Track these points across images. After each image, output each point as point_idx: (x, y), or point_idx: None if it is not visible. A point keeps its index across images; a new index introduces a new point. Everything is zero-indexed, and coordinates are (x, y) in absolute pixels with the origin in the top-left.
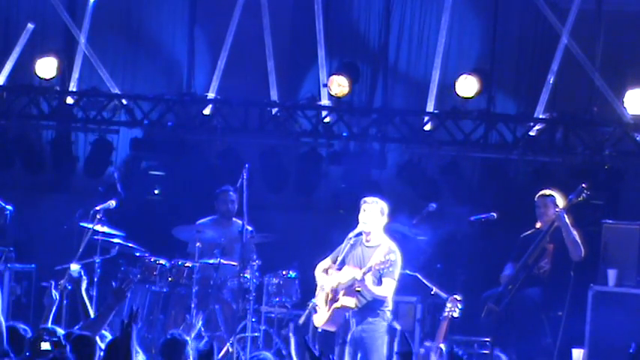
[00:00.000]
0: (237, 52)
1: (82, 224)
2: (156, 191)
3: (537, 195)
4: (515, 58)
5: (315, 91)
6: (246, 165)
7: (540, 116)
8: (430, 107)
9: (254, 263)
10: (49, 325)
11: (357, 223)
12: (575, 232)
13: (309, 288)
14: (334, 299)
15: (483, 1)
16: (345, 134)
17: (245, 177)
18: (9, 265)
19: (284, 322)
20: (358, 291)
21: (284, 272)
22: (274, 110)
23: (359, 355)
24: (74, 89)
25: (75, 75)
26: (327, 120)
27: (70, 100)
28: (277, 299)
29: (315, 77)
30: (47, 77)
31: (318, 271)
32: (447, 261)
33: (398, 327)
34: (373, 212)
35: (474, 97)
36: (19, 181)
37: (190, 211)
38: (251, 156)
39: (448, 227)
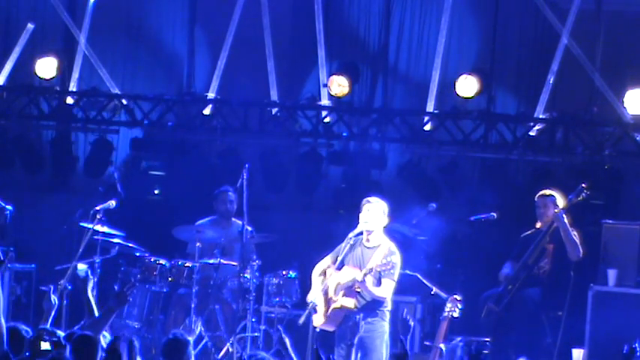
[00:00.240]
0: (237, 52)
1: (82, 224)
2: (156, 191)
3: (537, 195)
4: (515, 58)
5: (315, 91)
6: (246, 165)
7: (540, 116)
8: (430, 107)
9: (254, 263)
10: (49, 326)
11: (357, 223)
12: (574, 233)
13: (309, 288)
14: (333, 299)
15: (483, 1)
16: (345, 134)
17: (245, 177)
18: (9, 265)
19: (284, 322)
20: (358, 291)
21: (284, 272)
22: (274, 110)
23: (359, 355)
24: (74, 89)
25: (75, 75)
26: (327, 120)
27: (70, 100)
28: (277, 299)
29: (315, 77)
30: (47, 77)
31: (315, 274)
32: (447, 261)
33: (412, 323)
34: (376, 212)
35: (473, 97)
36: (19, 181)
37: (190, 211)
38: (251, 156)
39: (448, 227)
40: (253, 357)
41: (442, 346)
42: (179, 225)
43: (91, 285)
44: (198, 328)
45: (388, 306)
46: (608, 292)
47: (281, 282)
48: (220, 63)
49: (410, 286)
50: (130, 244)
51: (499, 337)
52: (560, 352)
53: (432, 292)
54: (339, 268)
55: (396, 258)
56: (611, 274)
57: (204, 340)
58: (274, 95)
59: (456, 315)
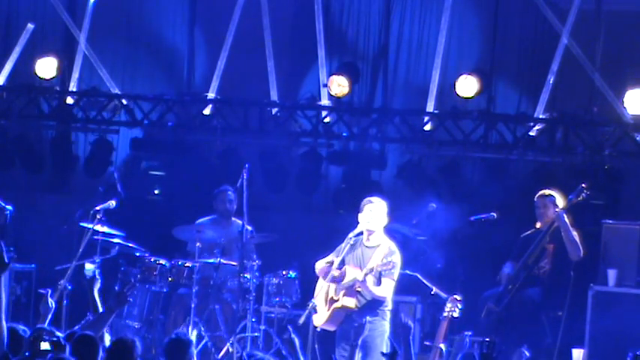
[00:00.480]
0: (237, 52)
1: (82, 224)
2: (156, 191)
3: (537, 195)
4: (515, 58)
5: (315, 91)
6: (246, 165)
7: (540, 116)
8: (430, 107)
9: (254, 263)
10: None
11: (357, 223)
12: (574, 233)
13: (309, 288)
14: (334, 299)
15: (483, 1)
16: (345, 134)
17: (245, 177)
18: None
19: (284, 322)
20: (359, 291)
21: (284, 272)
22: (274, 110)
23: (360, 355)
24: (74, 89)
25: (75, 75)
26: (327, 120)
27: (70, 100)
28: (277, 299)
29: (315, 77)
30: (47, 77)
31: (318, 268)
32: (447, 261)
33: (411, 324)
34: (378, 212)
35: (473, 97)
36: (19, 181)
37: (190, 211)
38: (251, 156)
39: (448, 227)
40: (253, 357)
41: (442, 345)
42: (179, 225)
43: (97, 286)
44: (194, 334)
45: (389, 305)
46: (608, 292)
47: (281, 282)
48: (220, 63)
49: (410, 286)
50: (130, 244)
51: (499, 337)
52: (560, 352)
53: (432, 292)
54: (340, 268)
55: (396, 257)
56: (611, 274)
57: (204, 340)
58: (274, 95)
59: (456, 315)
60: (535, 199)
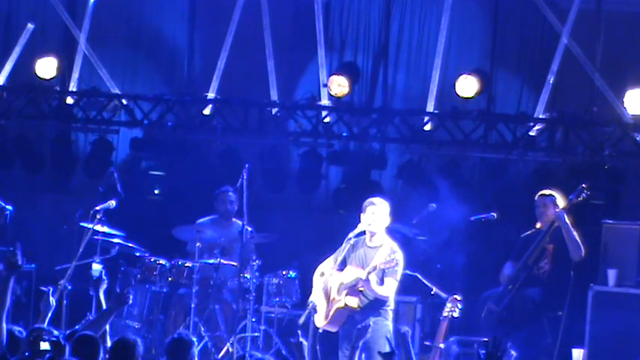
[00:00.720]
0: (237, 52)
1: (82, 224)
2: (156, 191)
3: (537, 195)
4: (515, 58)
5: (315, 91)
6: (246, 165)
7: (540, 116)
8: (430, 107)
9: (254, 263)
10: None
11: (357, 223)
12: (575, 232)
13: (309, 288)
14: (336, 299)
15: (483, 2)
16: (345, 134)
17: (245, 177)
18: None
19: (284, 322)
20: (361, 291)
21: (284, 272)
22: (274, 110)
23: (363, 356)
24: (74, 89)
25: (75, 75)
26: (327, 120)
27: (70, 100)
28: (277, 299)
29: (315, 77)
30: (47, 77)
31: (317, 275)
32: (447, 261)
33: (408, 329)
34: (382, 213)
35: (474, 97)
36: (19, 181)
37: (190, 211)
38: (251, 156)
39: (448, 227)
40: (252, 357)
41: (442, 345)
42: (179, 225)
43: (104, 287)
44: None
45: (391, 305)
46: (608, 292)
47: (281, 282)
48: (220, 63)
49: (410, 286)
50: (130, 244)
51: (499, 337)
52: (560, 352)
53: (432, 292)
54: (341, 269)
55: (399, 256)
56: (611, 274)
57: (204, 340)
58: (274, 95)
59: (456, 315)
60: (535, 199)
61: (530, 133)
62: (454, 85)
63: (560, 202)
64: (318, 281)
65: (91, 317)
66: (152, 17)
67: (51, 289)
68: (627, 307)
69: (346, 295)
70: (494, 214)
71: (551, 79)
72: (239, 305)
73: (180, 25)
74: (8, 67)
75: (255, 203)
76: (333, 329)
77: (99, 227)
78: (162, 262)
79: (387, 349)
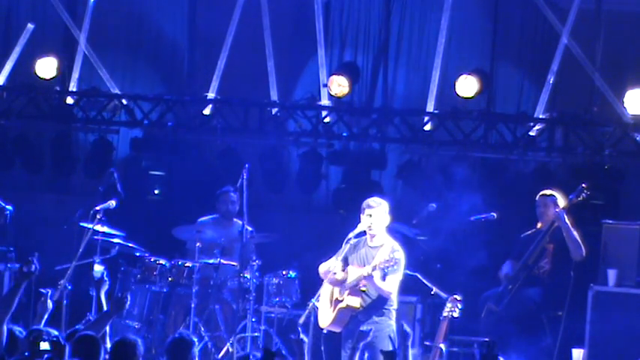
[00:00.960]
0: (237, 52)
1: (82, 224)
2: (156, 191)
3: (538, 195)
4: (516, 58)
5: (315, 91)
6: (246, 165)
7: (540, 116)
8: (430, 107)
9: (254, 263)
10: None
11: (357, 223)
12: (575, 232)
13: (309, 288)
14: (339, 299)
15: (483, 1)
16: (345, 134)
17: (245, 177)
18: (9, 265)
19: (284, 322)
20: (364, 290)
21: (284, 272)
22: (274, 110)
23: (366, 355)
24: (74, 89)
25: (75, 75)
26: (327, 120)
27: (70, 100)
28: (277, 299)
29: (315, 77)
30: (47, 77)
31: (321, 271)
32: (447, 261)
33: (409, 330)
34: (379, 216)
35: (474, 97)
36: (19, 181)
37: (190, 211)
38: (251, 156)
39: (448, 227)
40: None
41: (442, 345)
42: (179, 225)
43: (105, 288)
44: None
45: (394, 304)
46: (608, 292)
47: (281, 282)
48: (220, 63)
49: (410, 286)
50: (130, 244)
51: (499, 337)
52: (560, 352)
53: (432, 292)
54: (342, 270)
55: (400, 254)
56: (611, 274)
57: (204, 340)
58: (274, 95)
59: (456, 315)
60: (536, 199)
61: (531, 133)
62: (454, 85)
63: (561, 202)
64: (324, 270)
65: (91, 317)
66: (152, 17)
67: (49, 292)
68: (627, 307)
69: (348, 294)
70: (494, 214)
71: (551, 79)
72: (239, 305)
73: (180, 25)
74: (8, 67)
75: (255, 203)
76: (337, 329)
77: (99, 227)
78: (162, 262)
79: (390, 348)
